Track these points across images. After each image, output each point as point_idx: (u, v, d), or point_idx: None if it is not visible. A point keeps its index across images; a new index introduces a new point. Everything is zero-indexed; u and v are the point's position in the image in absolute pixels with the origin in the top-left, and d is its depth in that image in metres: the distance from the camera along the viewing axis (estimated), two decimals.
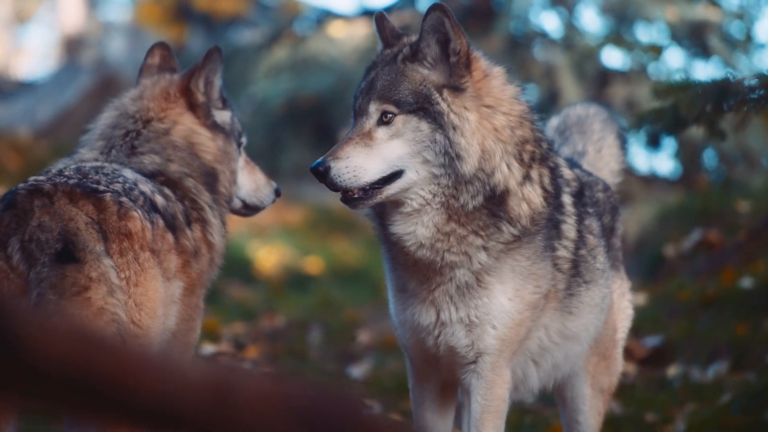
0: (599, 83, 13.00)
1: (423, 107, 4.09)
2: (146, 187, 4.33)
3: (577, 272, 4.45)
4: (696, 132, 6.03)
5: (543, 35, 13.37)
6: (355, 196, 4.11)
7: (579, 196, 4.51)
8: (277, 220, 15.65)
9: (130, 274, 3.99)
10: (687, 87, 5.17)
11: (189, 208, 4.58)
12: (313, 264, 14.15)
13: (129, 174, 4.33)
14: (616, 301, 4.93)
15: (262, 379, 2.03)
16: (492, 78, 4.24)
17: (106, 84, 18.49)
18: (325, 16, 14.35)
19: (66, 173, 4.15)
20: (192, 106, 4.84)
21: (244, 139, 5.04)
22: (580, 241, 4.46)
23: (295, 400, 2.03)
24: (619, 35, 13.15)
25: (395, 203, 4.16)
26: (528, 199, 4.19)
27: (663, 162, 13.54)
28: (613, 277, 4.89)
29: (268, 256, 14.20)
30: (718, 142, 8.36)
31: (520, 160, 4.19)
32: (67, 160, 4.63)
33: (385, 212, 4.24)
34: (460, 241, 4.15)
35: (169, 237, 4.31)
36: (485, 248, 4.17)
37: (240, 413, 2.01)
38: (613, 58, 13.49)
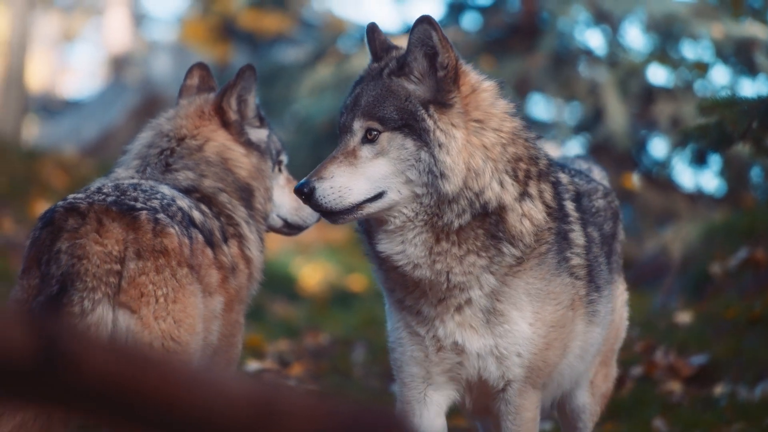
0: (644, 100, 12.96)
1: (408, 124, 3.93)
2: (184, 203, 4.34)
3: (591, 278, 4.35)
4: (742, 149, 5.98)
5: (587, 52, 13.35)
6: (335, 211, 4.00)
7: (578, 200, 4.39)
8: (321, 237, 15.69)
9: (168, 291, 3.99)
10: (733, 103, 5.13)
11: (225, 224, 4.57)
12: (357, 281, 14.17)
13: (166, 190, 4.35)
14: (619, 308, 4.87)
15: (305, 396, 2.03)
16: (481, 92, 4.07)
17: (151, 102, 18.67)
18: None
19: (104, 190, 4.17)
20: (225, 124, 4.84)
21: (284, 158, 5.02)
22: (589, 244, 4.36)
23: (339, 418, 2.02)
24: (664, 52, 13.11)
25: (379, 221, 4.04)
26: (529, 215, 4.05)
27: (709, 179, 13.45)
28: (617, 282, 4.82)
29: (312, 274, 14.23)
30: (765, 159, 8.30)
31: (515, 177, 4.04)
32: (103, 179, 4.64)
33: (370, 229, 4.11)
34: (461, 261, 4.00)
35: (209, 252, 4.31)
36: (491, 271, 4.02)
37: (283, 430, 2.00)
38: (659, 75, 13.43)
